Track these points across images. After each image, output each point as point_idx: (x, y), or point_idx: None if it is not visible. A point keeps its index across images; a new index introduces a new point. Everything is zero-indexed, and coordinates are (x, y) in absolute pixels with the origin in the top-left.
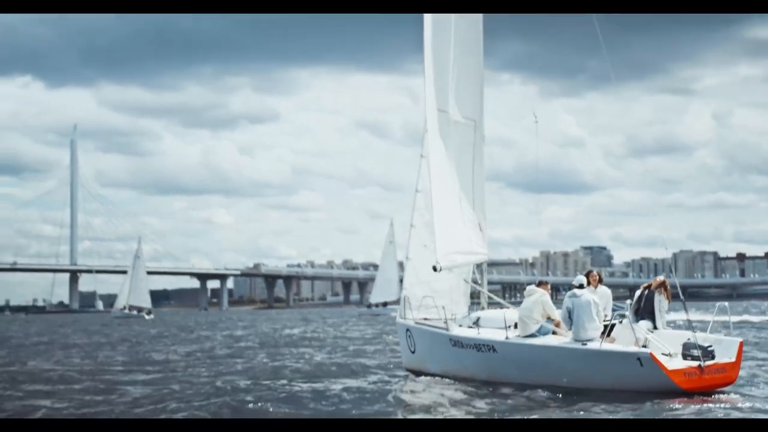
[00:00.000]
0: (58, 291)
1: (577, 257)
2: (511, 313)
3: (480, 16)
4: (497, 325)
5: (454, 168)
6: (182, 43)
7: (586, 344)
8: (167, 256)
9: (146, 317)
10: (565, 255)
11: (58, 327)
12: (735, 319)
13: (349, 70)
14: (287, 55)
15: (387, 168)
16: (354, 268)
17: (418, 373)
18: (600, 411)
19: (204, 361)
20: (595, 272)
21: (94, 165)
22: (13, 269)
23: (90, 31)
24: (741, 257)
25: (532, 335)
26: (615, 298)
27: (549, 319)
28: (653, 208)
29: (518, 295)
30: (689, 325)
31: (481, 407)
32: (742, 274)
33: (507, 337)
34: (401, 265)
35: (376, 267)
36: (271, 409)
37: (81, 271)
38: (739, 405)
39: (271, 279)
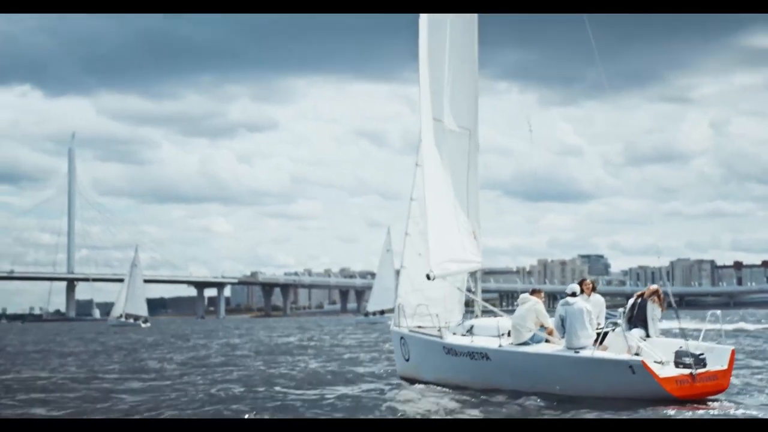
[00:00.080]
0: (55, 299)
1: (575, 265)
2: (505, 321)
3: (475, 23)
4: (491, 333)
5: (448, 177)
6: (181, 52)
7: (578, 352)
8: (165, 265)
9: (142, 325)
10: (563, 263)
11: (55, 335)
12: (731, 327)
13: (347, 79)
14: (286, 63)
15: (385, 176)
16: (351, 276)
17: (412, 381)
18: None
19: (199, 369)
20: (588, 280)
21: (92, 173)
22: (10, 278)
23: (89, 40)
24: (738, 266)
25: (525, 343)
26: (612, 307)
27: (542, 327)
28: (651, 217)
29: (515, 303)
30: (682, 333)
31: (476, 415)
32: (740, 282)
33: (500, 345)
34: (398, 274)
35: (373, 275)
36: (265, 417)
37: (78, 280)
38: (731, 412)
39: (268, 287)
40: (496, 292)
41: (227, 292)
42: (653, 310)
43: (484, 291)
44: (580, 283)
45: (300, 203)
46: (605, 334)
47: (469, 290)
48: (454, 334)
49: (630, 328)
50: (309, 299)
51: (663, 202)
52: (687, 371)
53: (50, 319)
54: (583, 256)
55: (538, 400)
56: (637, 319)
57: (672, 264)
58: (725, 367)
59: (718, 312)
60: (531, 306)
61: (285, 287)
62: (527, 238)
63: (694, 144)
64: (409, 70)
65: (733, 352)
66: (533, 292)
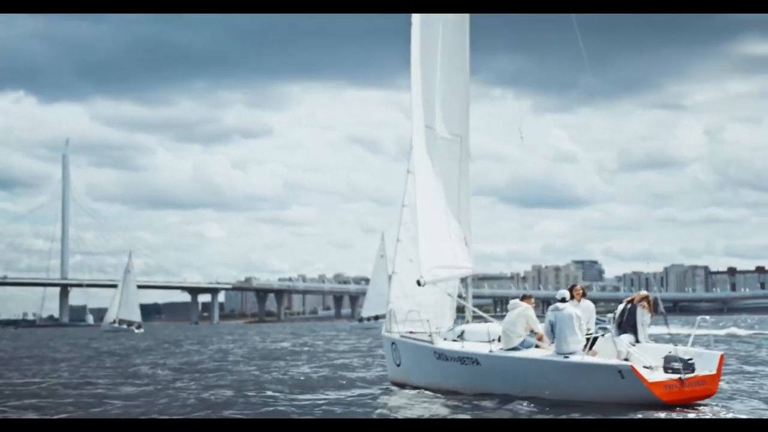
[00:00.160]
0: (49, 305)
1: (569, 271)
2: (495, 327)
3: (466, 27)
4: (481, 339)
5: (439, 183)
6: (175, 58)
7: (568, 357)
8: (159, 270)
9: (136, 331)
10: (557, 269)
11: (48, 341)
12: (723, 332)
13: (341, 85)
14: (280, 70)
15: (380, 183)
16: (346, 282)
17: (403, 386)
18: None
19: (192, 375)
20: (578, 286)
21: (86, 179)
22: (4, 283)
23: (83, 46)
24: (732, 271)
25: (515, 348)
26: (607, 312)
27: (532, 332)
28: (645, 223)
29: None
30: (671, 339)
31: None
32: (733, 288)
33: (491, 351)
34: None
35: (368, 281)
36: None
37: (71, 285)
38: (719, 417)
39: (262, 293)
40: (491, 298)
41: (221, 297)
42: (643, 315)
43: (478, 297)
44: (570, 289)
45: (294, 209)
46: (595, 339)
47: (459, 296)
48: (445, 339)
49: (620, 334)
50: (303, 305)
51: (657, 208)
52: (676, 376)
53: (43, 325)
54: (577, 262)
55: (528, 405)
56: (627, 324)
57: (666, 270)
58: (714, 372)
59: (708, 317)
60: (521, 311)
61: (279, 293)
62: (522, 244)
63: (688, 150)
64: (403, 77)
65: (721, 357)
66: (523, 298)
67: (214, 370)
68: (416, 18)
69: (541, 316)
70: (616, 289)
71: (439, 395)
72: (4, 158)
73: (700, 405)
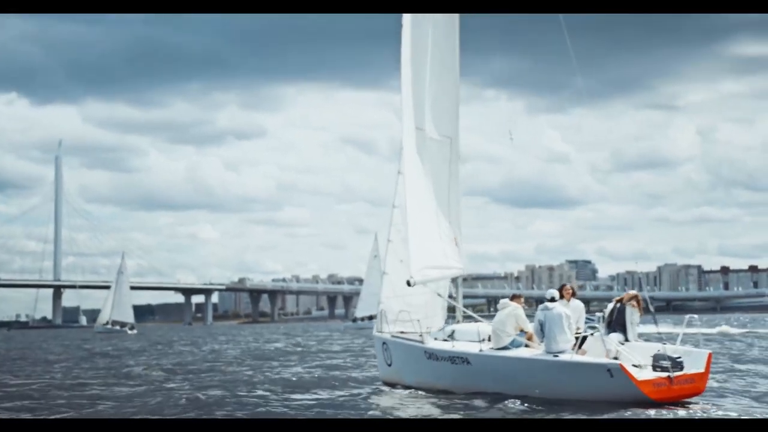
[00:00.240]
0: (42, 306)
1: (563, 271)
2: (485, 327)
3: (456, 28)
4: (471, 338)
5: (429, 184)
6: (169, 60)
7: (557, 356)
8: (152, 272)
9: (129, 332)
10: (551, 269)
11: (41, 342)
12: (714, 331)
13: (335, 87)
14: (274, 71)
15: (373, 184)
16: (339, 282)
17: (394, 386)
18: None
19: (184, 375)
20: (568, 286)
21: (79, 181)
22: None
23: (75, 48)
24: (725, 271)
25: (505, 347)
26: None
27: (522, 331)
28: (638, 223)
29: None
30: (659, 337)
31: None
32: (726, 287)
33: (481, 350)
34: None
35: (361, 281)
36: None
37: (64, 287)
38: (707, 415)
39: (256, 294)
40: (484, 298)
41: (215, 298)
42: (632, 314)
43: (472, 297)
44: (560, 289)
45: (288, 210)
46: (584, 338)
47: (450, 296)
48: (436, 339)
49: (609, 333)
50: (297, 305)
51: (650, 208)
52: (664, 374)
53: (36, 326)
54: (570, 262)
55: (519, 404)
56: (616, 323)
57: (659, 269)
58: (702, 370)
59: (696, 316)
60: (511, 311)
61: (273, 293)
62: (515, 244)
63: (681, 151)
64: (397, 78)
65: (710, 356)
66: (513, 298)
67: (207, 370)
68: (407, 18)
69: (531, 316)
70: (610, 288)
71: (429, 395)
72: None
73: (688, 403)
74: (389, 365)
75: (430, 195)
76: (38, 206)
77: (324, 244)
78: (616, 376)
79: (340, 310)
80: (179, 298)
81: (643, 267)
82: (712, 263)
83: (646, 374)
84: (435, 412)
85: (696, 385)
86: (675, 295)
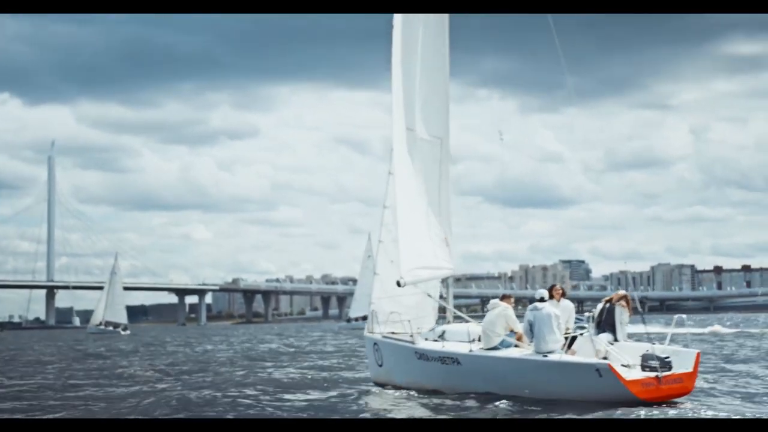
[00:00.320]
0: (35, 307)
1: (556, 271)
2: (475, 327)
3: (446, 29)
4: (461, 339)
5: (420, 185)
6: (162, 60)
7: (547, 356)
8: (146, 272)
9: (122, 333)
10: (544, 269)
11: (34, 343)
12: (706, 330)
13: (328, 86)
14: (267, 71)
15: (367, 183)
16: (333, 282)
17: (384, 386)
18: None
19: (176, 375)
20: (558, 286)
21: (72, 181)
22: None
23: (68, 48)
24: (718, 270)
25: (494, 348)
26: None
27: (512, 332)
28: (631, 222)
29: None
30: (648, 337)
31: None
32: (719, 287)
33: (471, 350)
34: None
35: (355, 282)
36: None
37: (58, 287)
38: (696, 414)
39: (249, 294)
40: (478, 298)
41: (208, 298)
42: (621, 314)
43: (466, 297)
44: (550, 289)
45: (281, 210)
46: (574, 338)
47: (441, 297)
48: (426, 339)
49: (598, 333)
50: (291, 306)
51: (643, 207)
52: (653, 374)
53: (29, 327)
54: (564, 262)
55: (508, 404)
56: (606, 323)
57: (653, 269)
58: (691, 369)
59: (684, 316)
60: (500, 311)
61: (266, 294)
62: (509, 244)
63: (674, 150)
64: (389, 79)
65: (698, 355)
66: (503, 298)
67: (199, 371)
68: (398, 18)
69: (521, 316)
70: (603, 288)
71: (420, 395)
72: None
73: (677, 402)
74: (380, 366)
75: (421, 195)
76: (31, 207)
77: (318, 244)
78: (604, 376)
79: (334, 311)
80: (173, 299)
81: (637, 267)
82: (705, 263)
83: (634, 374)
84: (425, 413)
85: (684, 385)
86: (668, 295)
